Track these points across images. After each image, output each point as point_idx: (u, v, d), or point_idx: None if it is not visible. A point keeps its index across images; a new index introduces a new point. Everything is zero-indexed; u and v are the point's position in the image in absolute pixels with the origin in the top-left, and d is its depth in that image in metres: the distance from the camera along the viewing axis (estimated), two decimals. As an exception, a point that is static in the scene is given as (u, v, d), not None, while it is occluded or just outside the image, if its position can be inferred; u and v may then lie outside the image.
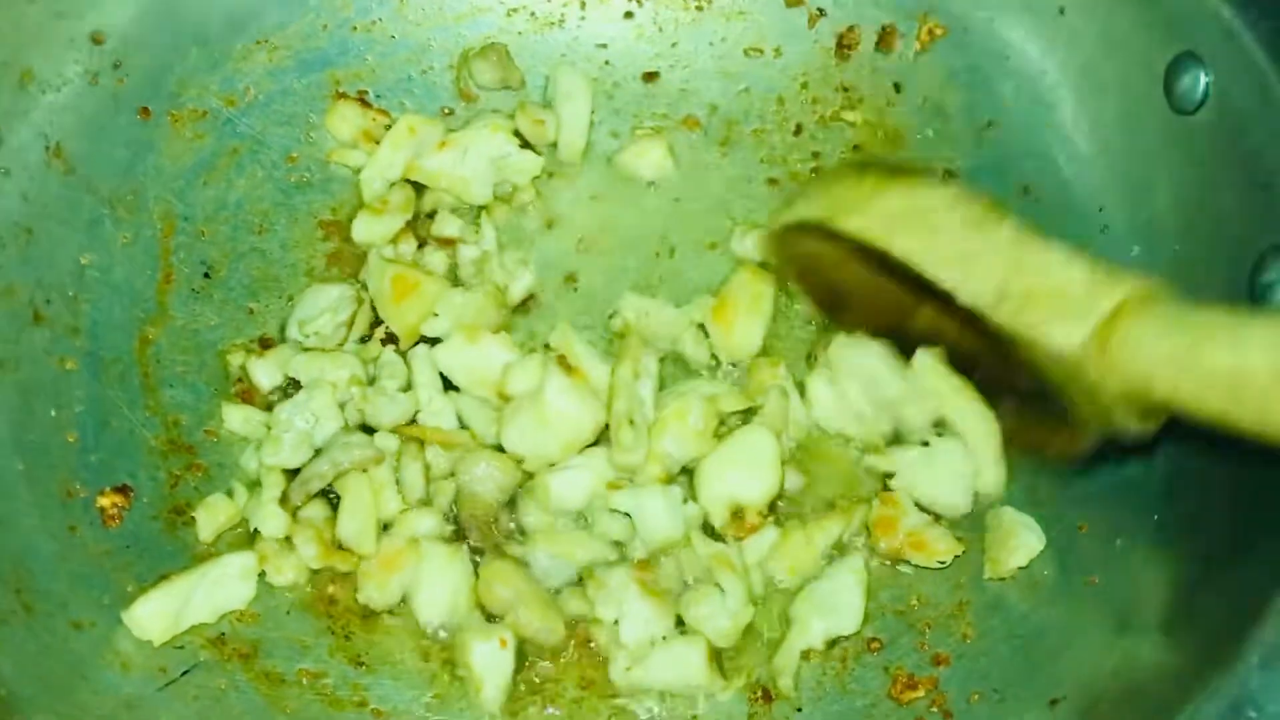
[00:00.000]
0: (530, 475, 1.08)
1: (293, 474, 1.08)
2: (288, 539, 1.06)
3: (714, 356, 1.17)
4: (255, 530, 1.07)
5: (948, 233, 0.93)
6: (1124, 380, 0.85)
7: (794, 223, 1.05)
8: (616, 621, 1.03)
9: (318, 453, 1.08)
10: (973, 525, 1.10)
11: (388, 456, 1.09)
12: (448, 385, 1.13)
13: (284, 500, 1.06)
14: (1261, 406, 0.78)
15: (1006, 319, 0.90)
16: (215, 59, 1.21)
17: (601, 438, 1.09)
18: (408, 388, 1.13)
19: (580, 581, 1.06)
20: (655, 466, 1.07)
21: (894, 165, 1.07)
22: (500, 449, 1.08)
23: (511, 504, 1.09)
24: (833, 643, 1.06)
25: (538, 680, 1.04)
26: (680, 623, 1.04)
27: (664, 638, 1.02)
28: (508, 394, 1.09)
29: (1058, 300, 0.88)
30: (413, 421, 1.11)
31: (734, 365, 1.17)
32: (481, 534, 1.07)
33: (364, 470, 1.07)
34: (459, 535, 1.08)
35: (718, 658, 1.03)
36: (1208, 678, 0.84)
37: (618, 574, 1.04)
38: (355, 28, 1.26)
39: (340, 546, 1.07)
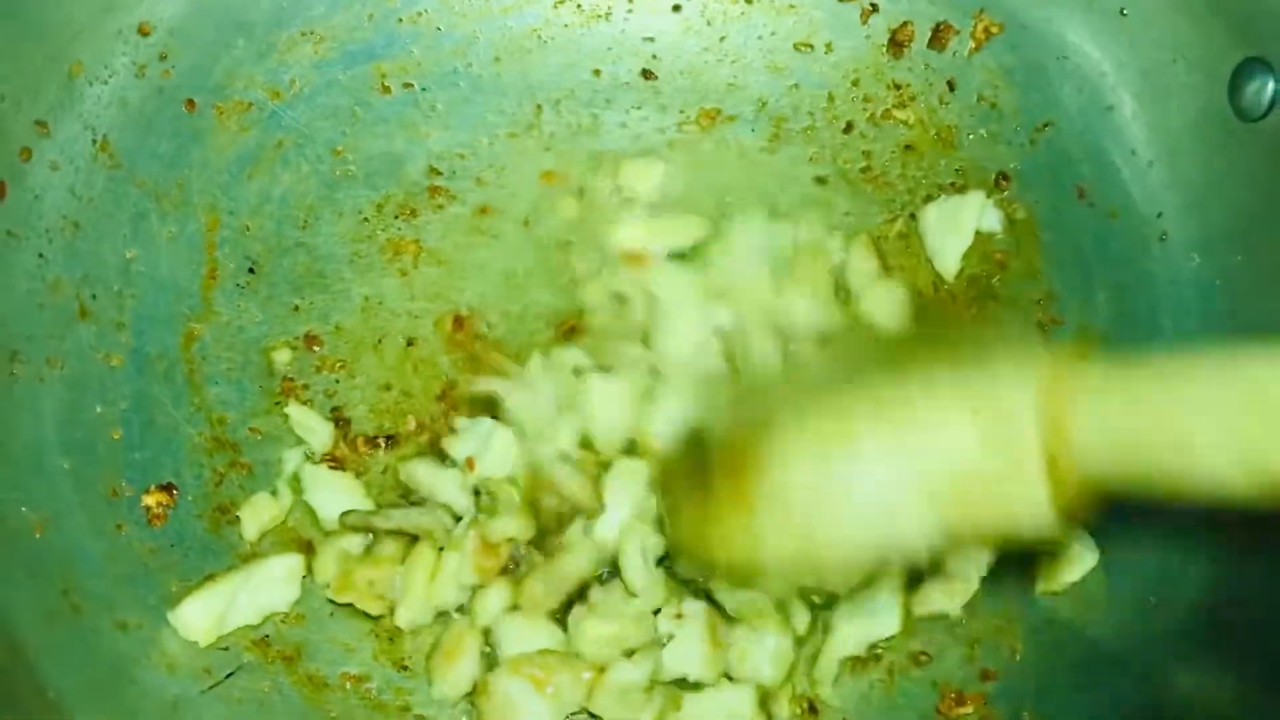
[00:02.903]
0: None
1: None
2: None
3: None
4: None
5: (848, 507, 0.77)
6: (1102, 494, 0.76)
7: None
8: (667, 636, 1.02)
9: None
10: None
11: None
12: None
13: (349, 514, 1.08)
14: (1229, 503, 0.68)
15: (970, 538, 0.81)
16: (260, 51, 1.20)
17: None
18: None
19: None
20: None
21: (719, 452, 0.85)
22: None
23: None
24: (875, 650, 1.05)
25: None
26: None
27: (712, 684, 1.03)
28: None
29: (993, 490, 0.74)
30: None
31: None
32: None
33: (439, 548, 1.07)
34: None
35: (766, 699, 1.02)
36: (1269, 705, 0.82)
37: (697, 606, 1.04)
38: (401, 19, 1.25)
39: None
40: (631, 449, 1.11)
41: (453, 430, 1.11)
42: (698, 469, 0.85)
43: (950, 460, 0.75)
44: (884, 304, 1.17)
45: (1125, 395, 0.71)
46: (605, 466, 1.09)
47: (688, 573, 1.02)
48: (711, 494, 0.82)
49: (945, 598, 1.05)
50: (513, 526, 1.06)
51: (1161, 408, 0.69)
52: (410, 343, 1.18)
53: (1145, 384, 0.71)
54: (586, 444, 1.11)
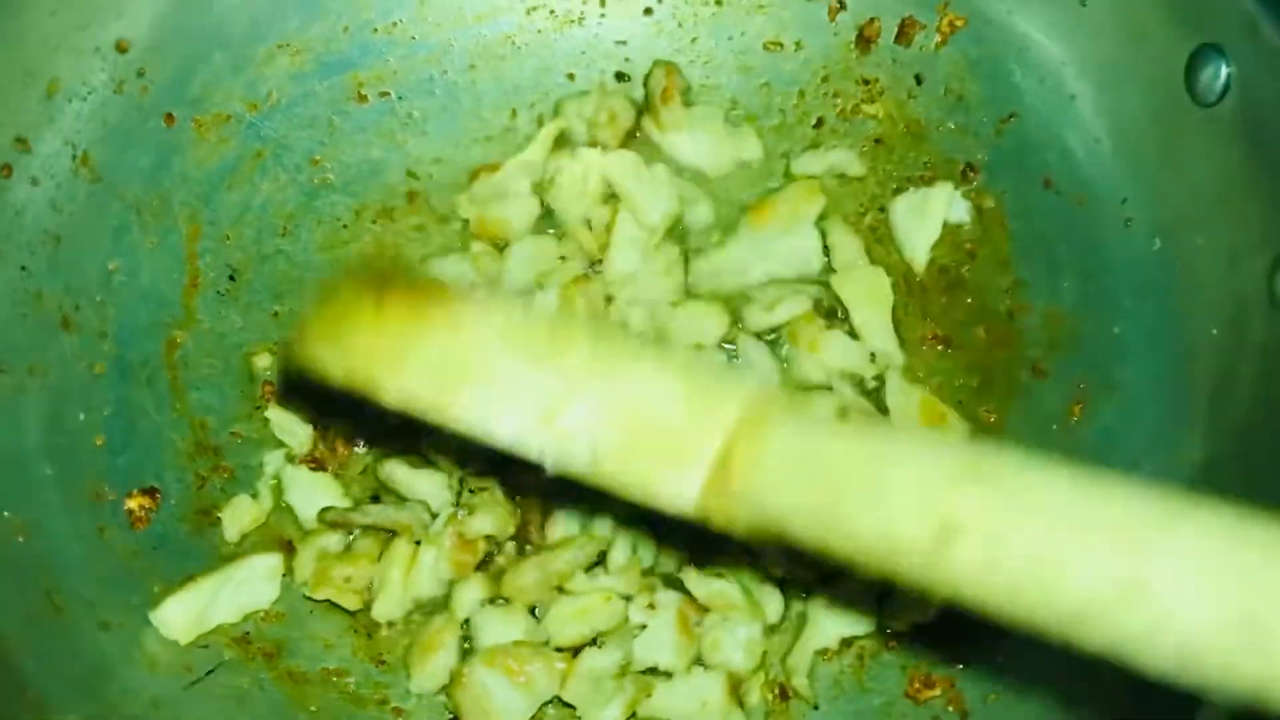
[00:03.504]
0: None
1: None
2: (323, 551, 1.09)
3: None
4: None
5: (507, 381, 0.74)
6: (752, 526, 0.72)
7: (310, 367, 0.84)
8: (639, 626, 1.04)
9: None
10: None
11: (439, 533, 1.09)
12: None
13: (328, 510, 1.10)
14: (897, 572, 0.64)
15: (608, 481, 0.74)
16: (238, 64, 1.22)
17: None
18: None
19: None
20: None
21: (410, 279, 0.84)
22: None
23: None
24: (848, 641, 1.06)
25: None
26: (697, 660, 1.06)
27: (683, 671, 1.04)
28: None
29: (660, 447, 0.72)
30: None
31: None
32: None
33: (415, 542, 1.08)
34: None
35: (737, 686, 1.04)
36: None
37: (670, 597, 1.05)
38: (376, 29, 1.27)
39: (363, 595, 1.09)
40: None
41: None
42: (379, 286, 0.80)
43: (643, 398, 0.73)
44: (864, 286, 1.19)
45: (820, 444, 0.69)
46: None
47: (302, 362, 0.86)
48: (381, 311, 0.78)
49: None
50: (491, 524, 1.07)
51: (845, 470, 0.66)
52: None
53: (841, 443, 0.69)
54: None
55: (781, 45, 1.28)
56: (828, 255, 1.21)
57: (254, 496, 1.12)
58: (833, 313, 1.18)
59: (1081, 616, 0.58)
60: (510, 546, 1.09)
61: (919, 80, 1.24)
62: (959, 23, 1.21)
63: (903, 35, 1.24)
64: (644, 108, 1.26)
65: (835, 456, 0.67)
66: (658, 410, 0.72)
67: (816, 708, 1.05)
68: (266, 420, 1.15)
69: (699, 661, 1.04)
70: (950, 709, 1.02)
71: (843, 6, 1.25)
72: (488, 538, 1.07)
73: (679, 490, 0.72)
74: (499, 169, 1.24)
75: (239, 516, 1.10)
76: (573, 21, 1.30)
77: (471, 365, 0.75)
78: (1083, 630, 0.59)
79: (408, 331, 0.76)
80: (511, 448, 0.76)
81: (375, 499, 1.12)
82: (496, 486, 1.09)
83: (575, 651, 1.03)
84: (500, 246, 1.22)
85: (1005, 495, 0.59)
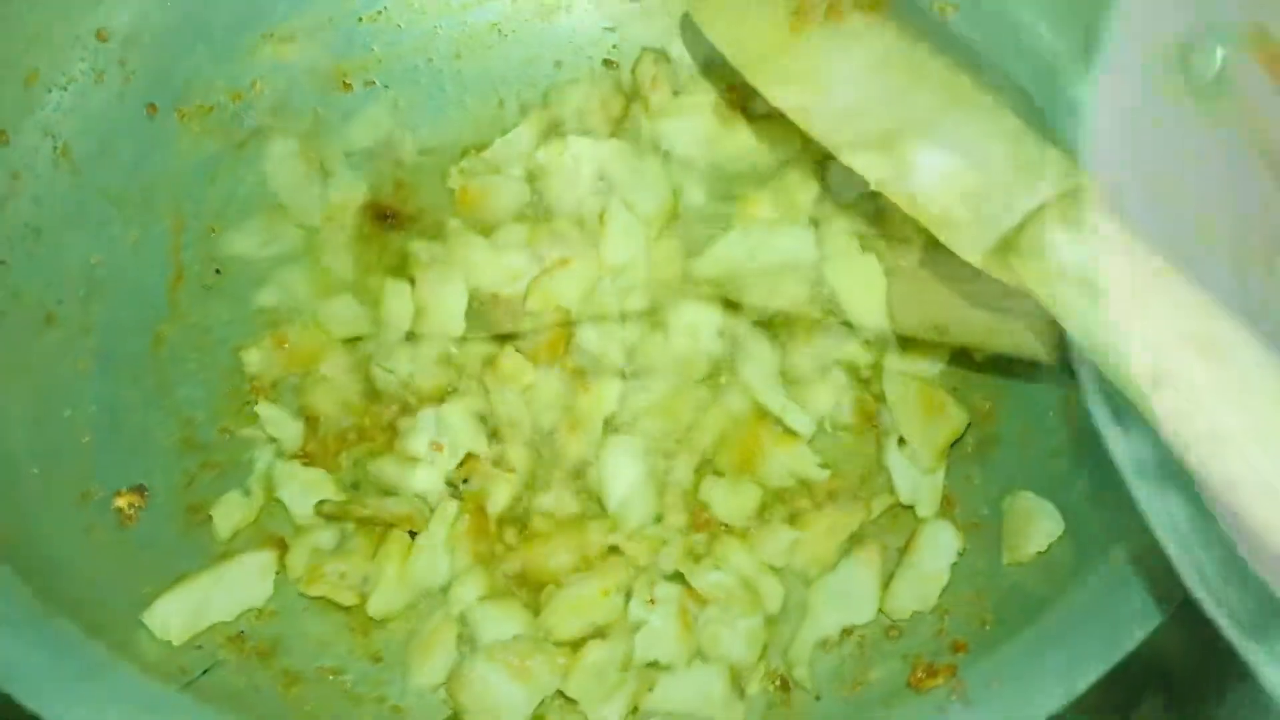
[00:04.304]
0: None
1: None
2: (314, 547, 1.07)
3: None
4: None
5: (866, 90, 0.85)
6: (1014, 281, 0.82)
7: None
8: (636, 625, 1.03)
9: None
10: (991, 510, 1.10)
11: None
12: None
13: (324, 503, 1.08)
14: (1114, 382, 0.72)
15: (914, 208, 0.84)
16: (222, 54, 1.20)
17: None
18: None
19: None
20: None
21: None
22: None
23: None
24: (849, 631, 1.06)
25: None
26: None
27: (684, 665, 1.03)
28: None
29: (971, 199, 0.81)
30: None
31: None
32: None
33: (410, 533, 1.06)
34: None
35: (737, 678, 1.03)
36: (1235, 665, 0.83)
37: (669, 589, 1.04)
38: (361, 19, 1.26)
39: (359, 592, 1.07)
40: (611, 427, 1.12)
41: (398, 432, 1.12)
42: None
43: (973, 152, 0.82)
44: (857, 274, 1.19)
45: (1094, 259, 0.73)
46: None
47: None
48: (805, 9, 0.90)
49: (919, 599, 1.06)
50: (507, 495, 1.07)
51: (1103, 291, 0.71)
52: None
53: (1107, 262, 0.73)
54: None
55: (771, 32, 1.26)
56: (821, 243, 1.20)
57: (245, 493, 1.10)
58: (827, 301, 1.17)
59: (1234, 488, 0.66)
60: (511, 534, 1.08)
61: (910, 66, 1.23)
62: (950, 9, 1.21)
63: (894, 21, 1.23)
64: (633, 95, 1.25)
65: (1097, 276, 0.72)
66: (981, 168, 0.82)
67: (818, 698, 1.04)
68: (256, 415, 1.13)
69: (699, 654, 1.03)
70: (954, 697, 1.01)
71: (833, -8, 1.24)
72: (508, 511, 1.08)
73: (971, 247, 0.82)
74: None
75: (230, 513, 1.08)
76: (560, 8, 1.29)
77: (831, 76, 0.87)
78: (1231, 498, 0.68)
79: (794, 33, 0.89)
80: (844, 157, 0.86)
81: (355, 485, 1.11)
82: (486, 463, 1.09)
83: (576, 646, 1.01)
84: (483, 229, 1.20)
85: (1216, 377, 0.67)
